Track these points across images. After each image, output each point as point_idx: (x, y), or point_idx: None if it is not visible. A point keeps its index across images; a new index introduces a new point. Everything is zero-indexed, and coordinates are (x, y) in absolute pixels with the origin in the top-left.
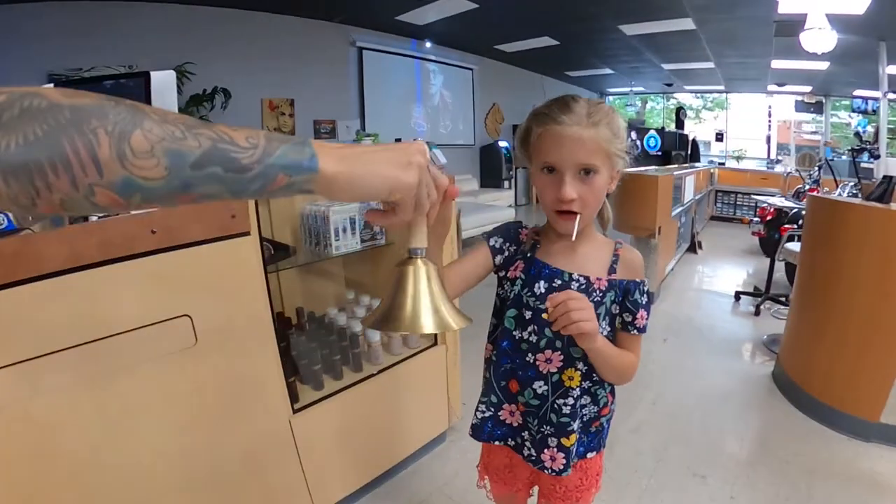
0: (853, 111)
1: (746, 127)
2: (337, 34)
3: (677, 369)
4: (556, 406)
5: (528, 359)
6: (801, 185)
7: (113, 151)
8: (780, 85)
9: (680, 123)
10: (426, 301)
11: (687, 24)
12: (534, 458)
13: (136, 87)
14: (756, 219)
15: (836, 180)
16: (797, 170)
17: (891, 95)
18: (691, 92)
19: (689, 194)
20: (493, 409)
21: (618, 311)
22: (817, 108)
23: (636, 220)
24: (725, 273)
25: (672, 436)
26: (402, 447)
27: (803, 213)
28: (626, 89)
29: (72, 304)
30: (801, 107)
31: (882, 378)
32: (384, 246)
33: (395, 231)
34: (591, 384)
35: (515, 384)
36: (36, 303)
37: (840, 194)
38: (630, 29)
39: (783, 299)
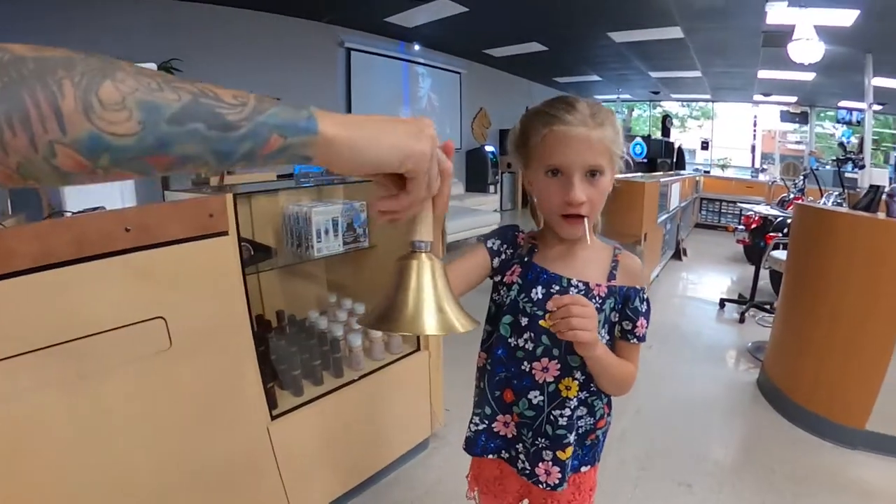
0: (838, 122)
1: (731, 136)
2: (325, 34)
3: (662, 377)
4: (551, 417)
5: (523, 367)
6: (785, 194)
7: (78, 103)
8: (765, 95)
9: (666, 131)
10: (430, 300)
11: (676, 32)
12: (528, 471)
13: None
14: (741, 227)
15: (820, 189)
16: (782, 178)
17: (876, 107)
18: (678, 100)
19: (674, 201)
20: (486, 422)
21: (617, 319)
22: (802, 118)
23: (622, 226)
24: (710, 280)
25: (657, 444)
26: (384, 454)
27: (788, 221)
28: (614, 96)
29: (43, 304)
30: (786, 117)
31: (868, 386)
32: (367, 248)
33: (379, 233)
34: (588, 395)
35: (510, 394)
36: (5, 302)
37: (825, 203)
38: (619, 36)
39: (768, 307)
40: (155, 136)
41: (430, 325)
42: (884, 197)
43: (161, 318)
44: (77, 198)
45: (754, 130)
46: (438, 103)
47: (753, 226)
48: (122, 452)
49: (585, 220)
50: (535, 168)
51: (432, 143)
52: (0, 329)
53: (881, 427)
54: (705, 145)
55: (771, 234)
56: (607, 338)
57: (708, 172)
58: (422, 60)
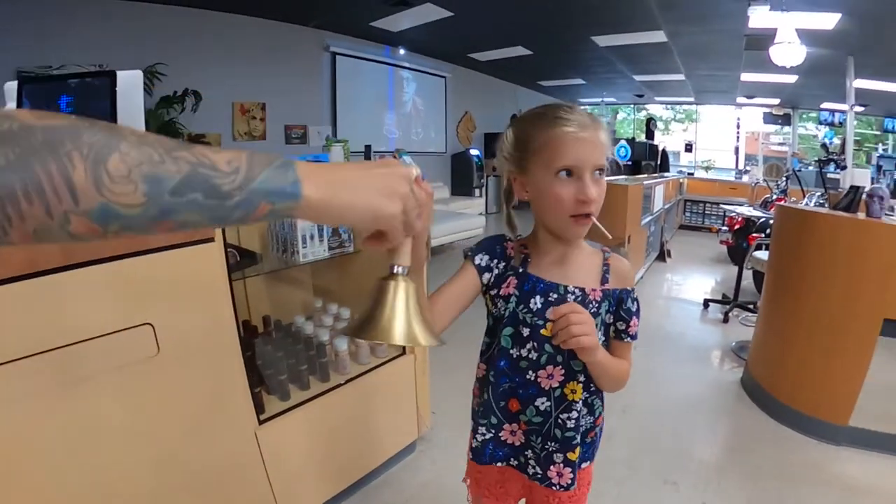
0: (820, 123)
1: (715, 138)
2: (310, 39)
3: (647, 377)
4: (559, 421)
5: (528, 376)
6: (768, 195)
7: (89, 176)
8: (749, 97)
9: (650, 134)
10: (401, 316)
11: (659, 36)
12: (539, 475)
13: (102, 87)
14: (724, 228)
15: (803, 190)
16: (765, 180)
17: (858, 108)
18: (662, 103)
19: (658, 203)
20: (493, 431)
21: (611, 321)
22: (785, 119)
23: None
24: (694, 281)
25: (643, 443)
26: (372, 458)
27: (771, 222)
28: (598, 100)
29: (31, 312)
30: (769, 119)
31: (850, 382)
32: (352, 253)
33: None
34: (588, 395)
35: (516, 403)
36: None
37: (807, 204)
38: (603, 40)
39: (751, 306)
40: (158, 207)
41: (398, 336)
42: (864, 197)
43: (149, 324)
44: None
45: (738, 132)
46: (423, 107)
47: (737, 227)
48: (110, 458)
49: (593, 218)
50: (541, 171)
51: (403, 201)
52: None
53: (864, 423)
54: (689, 147)
55: (754, 234)
56: (603, 339)
57: (692, 174)
58: (407, 64)
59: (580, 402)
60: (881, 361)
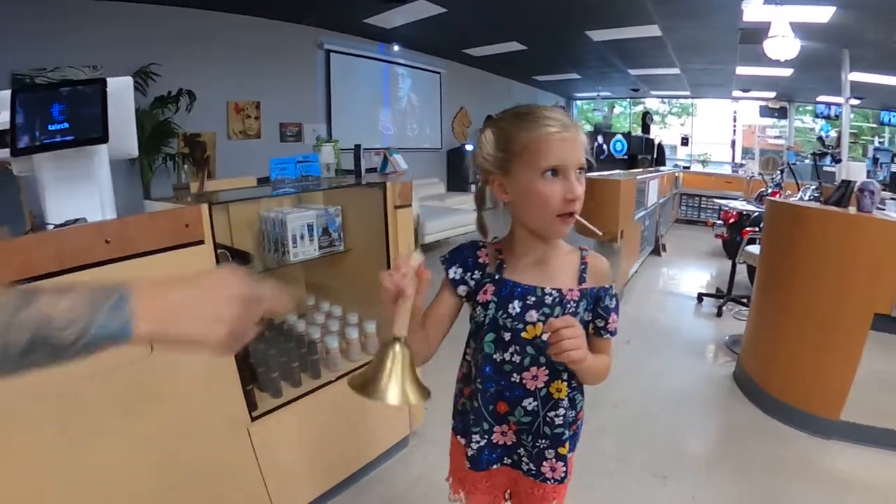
0: (816, 116)
1: (712, 131)
2: (304, 36)
3: (639, 371)
4: (548, 419)
5: (513, 379)
6: (763, 189)
7: None
8: (744, 91)
9: (646, 128)
10: (396, 381)
11: (653, 30)
12: (534, 471)
13: (93, 94)
14: (719, 222)
15: (797, 183)
16: (760, 173)
17: (853, 101)
18: (658, 97)
19: (652, 198)
20: (486, 436)
21: (590, 318)
22: (781, 113)
23: (598, 224)
24: (689, 275)
25: (634, 437)
26: (365, 453)
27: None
28: (594, 94)
29: None
30: (765, 112)
31: (842, 376)
32: (343, 252)
33: (354, 237)
34: (570, 391)
35: (504, 405)
36: None
37: (802, 197)
38: (597, 35)
39: (745, 300)
40: (4, 370)
41: (392, 398)
42: (855, 191)
43: None
44: (58, 209)
45: (734, 126)
46: (418, 103)
47: (731, 221)
48: (105, 456)
49: (575, 216)
50: (526, 172)
51: (231, 324)
52: None
53: (855, 417)
54: (685, 141)
55: (747, 228)
56: (584, 336)
57: (688, 168)
58: (401, 61)
59: (565, 399)
60: (872, 356)
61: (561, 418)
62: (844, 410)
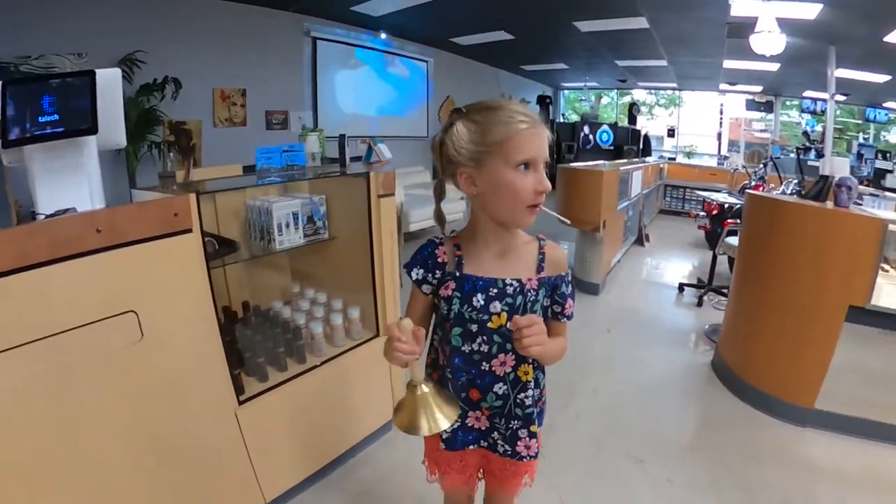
0: (803, 111)
1: (699, 123)
2: (291, 23)
3: (619, 359)
4: (518, 401)
5: (483, 367)
6: (747, 182)
7: None
8: (731, 84)
9: (633, 119)
10: (428, 414)
11: (641, 22)
12: (510, 452)
13: (82, 86)
14: (702, 213)
15: (780, 177)
16: (744, 166)
17: (839, 97)
18: (645, 88)
19: (636, 189)
20: (460, 420)
21: (549, 304)
22: (767, 107)
23: (581, 214)
24: (671, 265)
25: (612, 423)
26: (349, 436)
27: None
28: (581, 84)
29: (22, 304)
30: (751, 105)
31: (816, 366)
32: (328, 240)
33: (338, 225)
34: (535, 371)
35: (476, 393)
36: None
37: (784, 191)
38: (584, 26)
39: (725, 291)
40: None
41: (431, 429)
42: (833, 187)
43: (133, 311)
44: (49, 199)
45: (720, 118)
46: (405, 91)
47: (714, 212)
48: (99, 438)
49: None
50: (499, 165)
51: None
52: None
53: (829, 406)
54: (671, 133)
55: (729, 220)
56: (543, 320)
57: (673, 160)
58: (388, 49)
59: (532, 380)
60: (847, 348)
61: (530, 399)
62: (819, 399)
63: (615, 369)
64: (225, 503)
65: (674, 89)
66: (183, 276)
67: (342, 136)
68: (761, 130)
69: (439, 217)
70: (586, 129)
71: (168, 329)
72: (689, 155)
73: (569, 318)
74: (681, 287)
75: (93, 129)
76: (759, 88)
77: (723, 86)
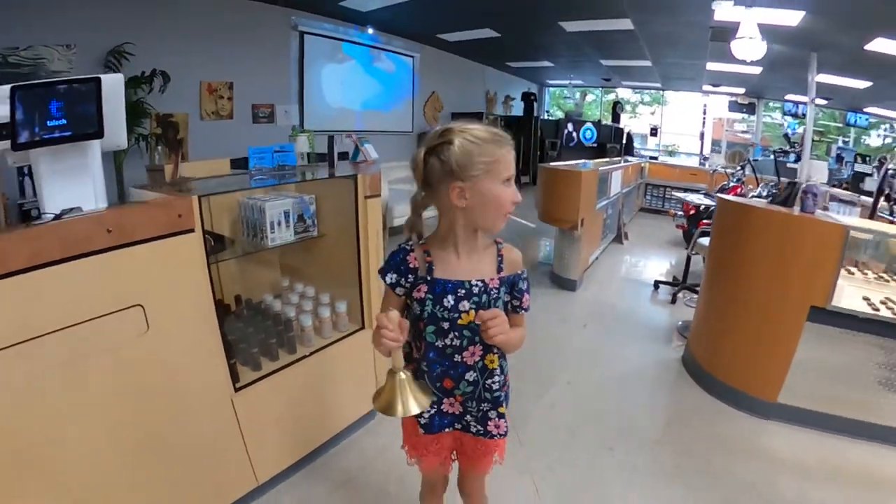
0: (785, 114)
1: (682, 122)
2: (279, 17)
3: (594, 353)
4: (486, 386)
5: (455, 359)
6: (725, 182)
7: None
8: (714, 85)
9: (616, 117)
10: (399, 399)
11: (626, 24)
12: (482, 432)
13: (88, 92)
14: (680, 213)
15: (757, 179)
16: (724, 167)
17: (821, 101)
18: (629, 87)
19: (615, 188)
20: (436, 406)
21: (508, 299)
22: (750, 108)
23: (560, 212)
24: (649, 263)
25: (585, 413)
26: (336, 423)
27: None
28: (566, 82)
29: (37, 298)
30: (734, 107)
31: (780, 362)
32: (317, 237)
33: (327, 223)
34: (500, 360)
35: (449, 382)
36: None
37: (760, 193)
38: (570, 25)
39: (698, 288)
40: None
41: (399, 412)
42: (800, 193)
43: (140, 305)
44: (55, 199)
45: (704, 118)
46: (391, 86)
47: (692, 212)
48: (107, 422)
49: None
50: (490, 181)
51: None
52: (4, 320)
53: (791, 400)
54: (654, 132)
55: (705, 220)
56: (504, 312)
57: (655, 159)
58: (375, 44)
59: (498, 368)
60: (809, 346)
61: (497, 384)
62: (781, 394)
63: (590, 363)
64: (221, 483)
65: (658, 89)
66: (185, 272)
67: (331, 138)
68: (743, 132)
69: (413, 227)
70: (570, 127)
71: (171, 321)
72: (671, 154)
73: (526, 310)
74: (656, 284)
75: (99, 134)
76: (741, 90)
77: (706, 87)
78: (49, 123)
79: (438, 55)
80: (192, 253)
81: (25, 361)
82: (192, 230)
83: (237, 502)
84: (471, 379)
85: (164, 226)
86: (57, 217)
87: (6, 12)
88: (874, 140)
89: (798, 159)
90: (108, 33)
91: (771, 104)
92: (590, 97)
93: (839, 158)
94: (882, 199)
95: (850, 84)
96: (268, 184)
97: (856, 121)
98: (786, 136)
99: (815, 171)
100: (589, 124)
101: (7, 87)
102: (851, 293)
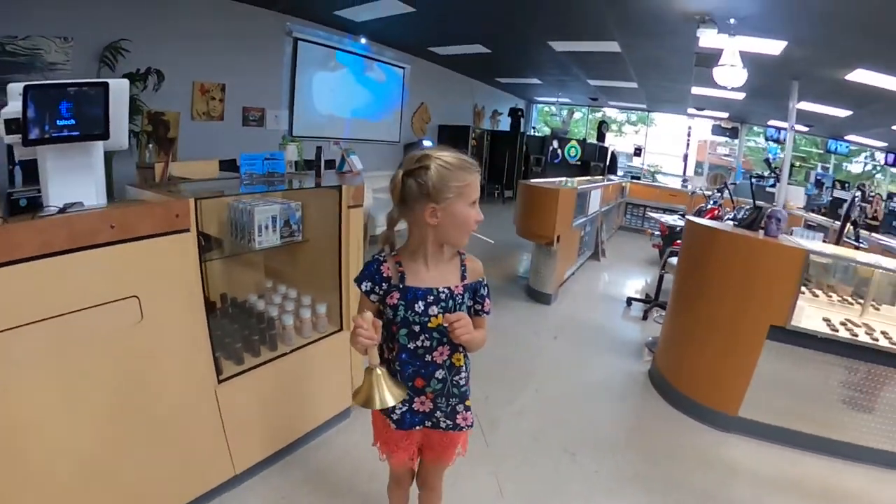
0: (767, 139)
1: (667, 143)
2: (274, 23)
3: (563, 363)
4: (454, 382)
5: (426, 359)
6: (703, 204)
7: None
8: (699, 109)
9: (601, 136)
10: (376, 393)
11: (613, 46)
12: (451, 425)
13: (96, 95)
14: (657, 233)
15: (733, 202)
16: (703, 189)
17: (802, 128)
18: (615, 107)
19: (594, 206)
20: (408, 404)
21: (472, 304)
22: (733, 133)
23: (536, 228)
24: (624, 280)
25: (550, 419)
26: (312, 418)
27: None
28: (553, 99)
29: (43, 284)
30: (717, 130)
31: (740, 378)
32: (301, 242)
33: (311, 229)
34: (464, 358)
35: (421, 381)
36: (15, 282)
37: (735, 216)
38: (559, 45)
39: None
40: None
41: (377, 404)
42: (765, 217)
43: (135, 296)
44: (59, 193)
45: (688, 140)
46: (380, 96)
47: (667, 233)
48: (96, 405)
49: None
50: (461, 203)
51: None
52: (12, 302)
53: (751, 414)
54: (638, 152)
55: (678, 241)
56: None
57: (638, 178)
58: (367, 54)
59: (464, 365)
60: (769, 364)
61: (463, 379)
62: (742, 408)
63: (558, 373)
64: (202, 470)
65: (643, 110)
66: (179, 269)
67: (319, 149)
68: (726, 155)
69: (387, 239)
70: (555, 144)
71: (163, 313)
72: (653, 175)
73: (487, 313)
74: (629, 301)
75: (105, 136)
76: (725, 115)
77: (691, 110)
78: (59, 123)
79: (429, 67)
80: (187, 251)
81: (29, 341)
82: (187, 230)
83: (215, 490)
84: (440, 377)
85: (162, 224)
86: (61, 210)
87: (6, 2)
88: (855, 167)
89: (776, 184)
90: (106, 28)
91: (754, 129)
92: (577, 115)
93: (819, 184)
94: (849, 224)
95: (830, 112)
96: (258, 190)
97: (836, 148)
98: (766, 160)
99: (791, 197)
100: (574, 142)
101: (20, 85)
102: (812, 314)
